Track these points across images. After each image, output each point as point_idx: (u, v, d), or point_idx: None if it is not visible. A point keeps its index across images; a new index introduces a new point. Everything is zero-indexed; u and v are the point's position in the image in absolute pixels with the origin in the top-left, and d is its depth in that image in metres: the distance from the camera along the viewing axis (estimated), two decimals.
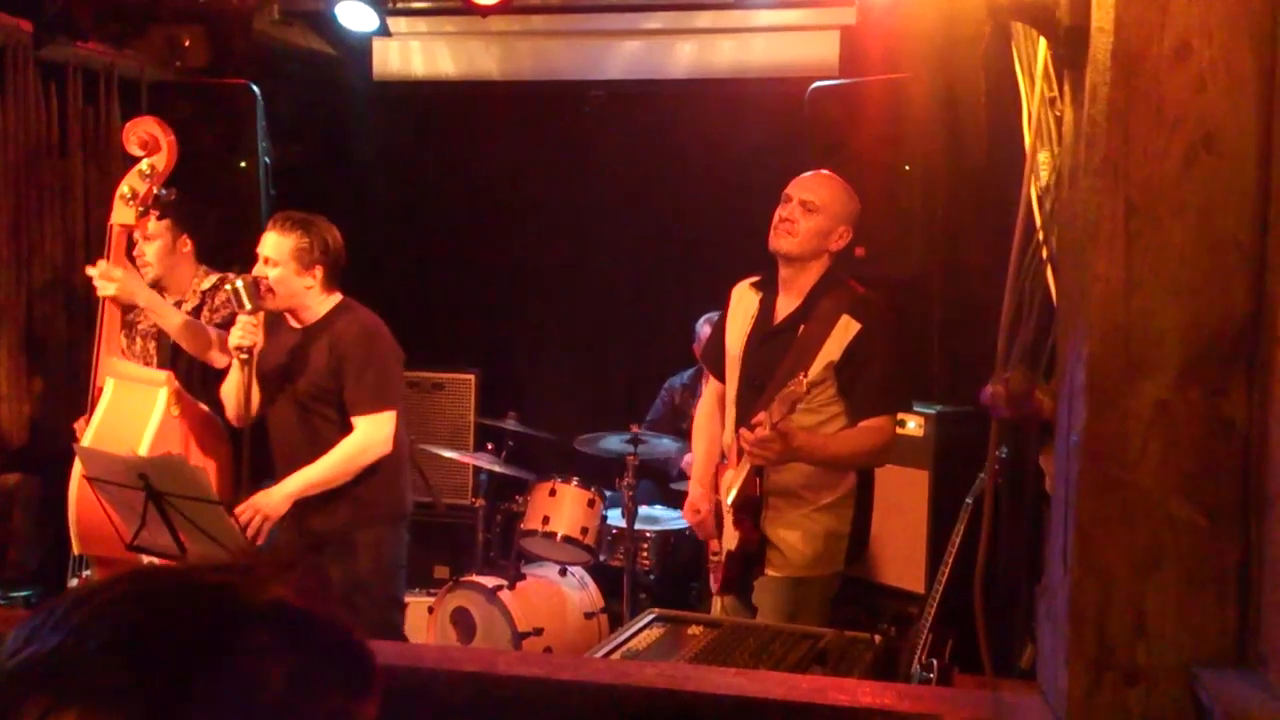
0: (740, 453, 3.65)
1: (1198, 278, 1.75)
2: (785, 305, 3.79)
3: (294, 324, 4.15)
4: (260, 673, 0.93)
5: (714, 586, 3.94)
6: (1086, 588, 1.79)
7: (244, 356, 3.92)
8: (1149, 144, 1.74)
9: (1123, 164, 1.75)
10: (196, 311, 4.57)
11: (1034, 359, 2.12)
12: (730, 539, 3.76)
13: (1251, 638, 1.73)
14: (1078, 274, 1.86)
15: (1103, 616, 1.78)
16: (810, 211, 3.70)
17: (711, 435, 4.05)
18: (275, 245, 4.03)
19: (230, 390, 4.08)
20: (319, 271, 4.05)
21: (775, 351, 3.73)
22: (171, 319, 4.38)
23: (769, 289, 3.86)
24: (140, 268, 4.54)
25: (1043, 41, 2.07)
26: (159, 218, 4.44)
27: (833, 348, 3.63)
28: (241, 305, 3.93)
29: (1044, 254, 2.17)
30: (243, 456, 4.04)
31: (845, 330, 3.64)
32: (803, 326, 3.70)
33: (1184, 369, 1.75)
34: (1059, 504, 1.91)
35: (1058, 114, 2.11)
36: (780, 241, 3.72)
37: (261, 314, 3.99)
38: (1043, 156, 2.19)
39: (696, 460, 4.15)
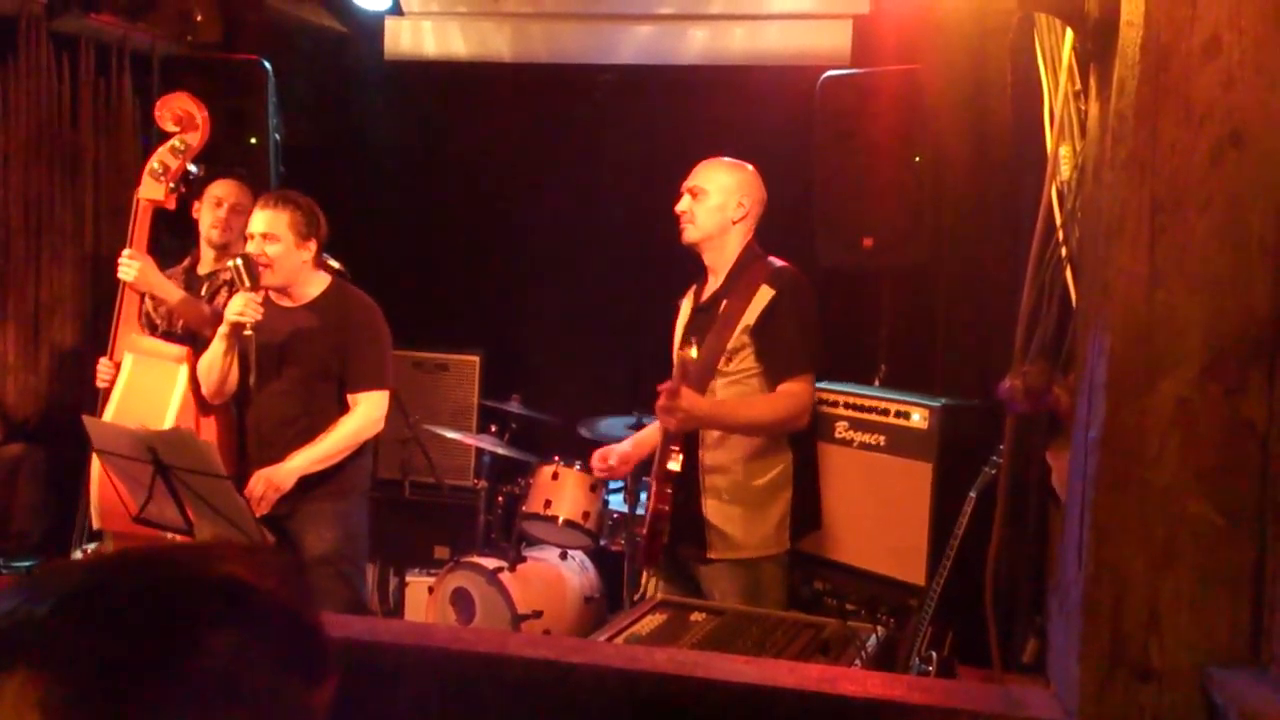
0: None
1: (1222, 274, 1.74)
2: (711, 286, 3.99)
3: (284, 303, 4.18)
4: (201, 641, 0.94)
5: (638, 560, 4.09)
6: (1101, 584, 1.78)
7: (248, 333, 3.97)
8: (1176, 139, 1.74)
9: (1149, 159, 1.74)
10: (231, 282, 4.60)
11: (1052, 354, 2.12)
12: (648, 511, 3.88)
13: (1266, 638, 1.73)
14: (1100, 268, 1.85)
15: (1117, 613, 1.78)
16: (698, 195, 3.90)
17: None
18: (271, 220, 4.06)
19: (214, 364, 4.09)
20: (314, 245, 4.11)
21: (702, 326, 3.90)
22: (185, 305, 4.41)
23: (700, 282, 4.07)
24: (216, 226, 4.59)
25: (1068, 35, 2.06)
26: (186, 195, 4.46)
27: (750, 314, 3.81)
28: (243, 282, 3.98)
29: (1063, 249, 2.16)
30: (246, 430, 4.07)
31: (762, 297, 3.82)
32: (725, 301, 3.87)
33: (1205, 366, 1.75)
34: (1075, 499, 1.91)
35: (1081, 108, 2.10)
36: (685, 233, 3.93)
37: (262, 293, 4.04)
38: (1064, 150, 2.19)
39: (646, 429, 4.34)
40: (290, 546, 4.20)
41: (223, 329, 4.03)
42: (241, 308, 3.95)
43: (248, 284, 3.98)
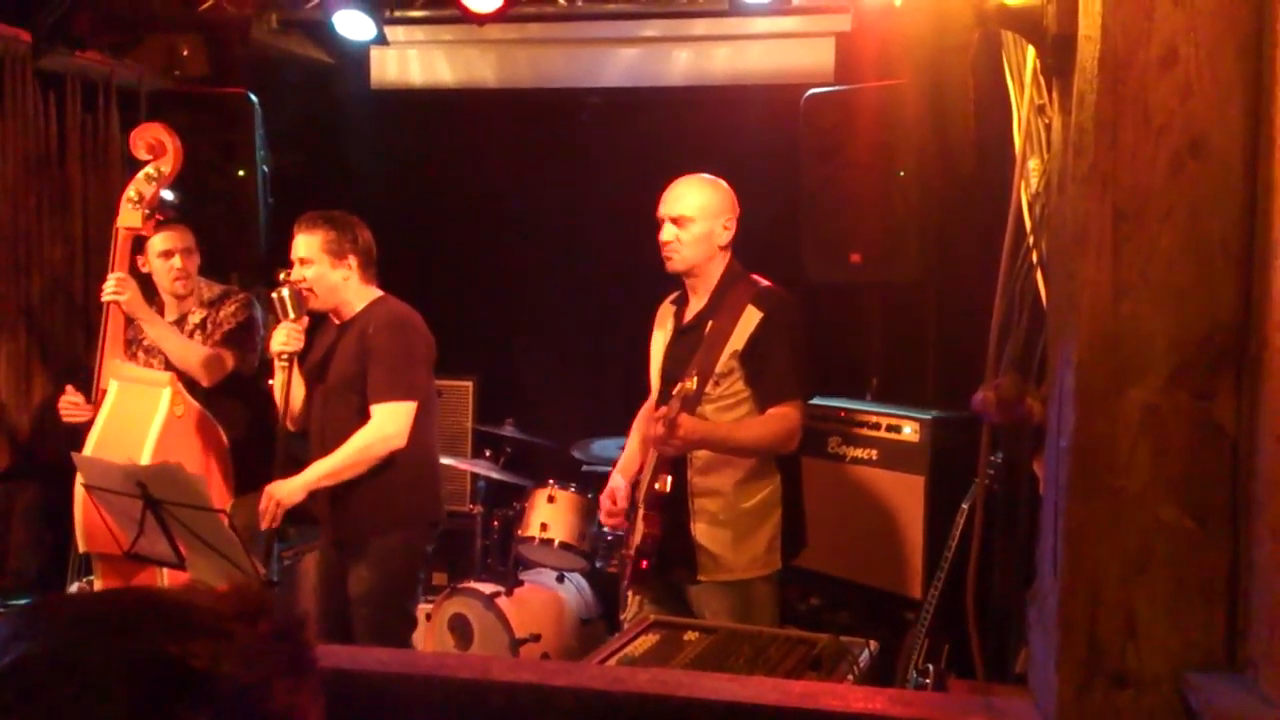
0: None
1: (1186, 282, 1.75)
2: (694, 306, 3.94)
3: (335, 321, 4.23)
4: None
5: (624, 582, 4.04)
6: (1076, 592, 1.79)
7: (284, 362, 3.99)
8: (1136, 150, 1.75)
9: (1110, 170, 1.76)
10: (203, 324, 4.60)
11: (1025, 364, 2.13)
12: (636, 533, 3.84)
13: (1240, 642, 1.74)
14: (1066, 280, 1.87)
15: (1093, 621, 1.79)
16: (684, 224, 3.82)
17: (644, 434, 4.12)
18: (306, 244, 4.10)
19: (278, 395, 4.10)
20: (353, 261, 4.13)
21: (687, 348, 3.87)
22: (166, 336, 4.43)
23: (682, 300, 4.03)
24: (178, 279, 4.57)
25: (1031, 49, 2.08)
26: (161, 222, 4.47)
27: (738, 338, 3.77)
28: (285, 314, 4.01)
29: (1034, 259, 2.18)
30: (276, 452, 4.09)
31: (749, 320, 3.77)
32: (710, 322, 3.83)
33: (1173, 373, 1.76)
34: (1049, 509, 1.92)
35: (1047, 121, 2.12)
36: (671, 264, 3.87)
37: (305, 320, 4.06)
38: (1033, 163, 2.21)
39: (624, 455, 4.26)
40: (340, 578, 4.20)
41: (278, 361, 4.04)
42: (285, 339, 3.98)
43: (291, 315, 4.00)
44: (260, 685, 0.97)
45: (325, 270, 4.09)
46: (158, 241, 4.54)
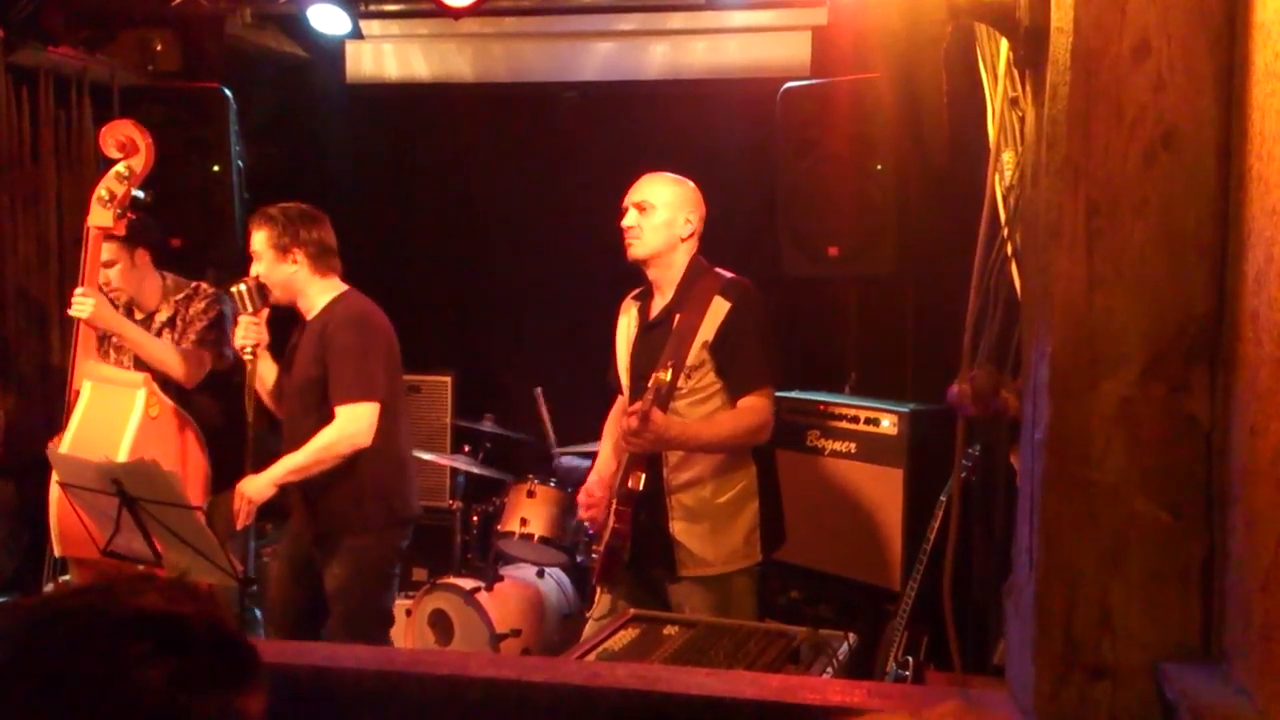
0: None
1: (1159, 275, 1.76)
2: (660, 301, 3.95)
3: (305, 318, 4.22)
4: (140, 679, 0.94)
5: (594, 579, 4.04)
6: (1052, 584, 1.80)
7: (249, 355, 4.03)
8: (1109, 143, 1.76)
9: (1083, 163, 1.76)
10: (171, 321, 4.57)
11: (1000, 357, 2.14)
12: (607, 530, 3.86)
13: (1216, 633, 1.75)
14: (1040, 272, 1.87)
15: (1069, 613, 1.79)
16: (645, 211, 3.86)
17: (616, 435, 4.12)
18: (255, 240, 4.13)
19: (248, 389, 4.11)
20: (299, 255, 4.11)
21: (656, 343, 3.87)
22: (142, 343, 4.40)
23: (646, 295, 4.03)
24: (110, 294, 4.51)
25: (1004, 42, 2.08)
26: (133, 220, 4.43)
27: (707, 329, 3.78)
28: (245, 308, 4.05)
29: (1009, 252, 2.18)
30: (247, 449, 4.07)
31: (717, 311, 3.79)
32: (678, 316, 3.83)
33: (1147, 366, 1.76)
34: (1024, 501, 1.93)
35: (1020, 114, 2.12)
36: (631, 249, 3.89)
37: (265, 312, 4.09)
38: (1007, 156, 2.21)
39: (599, 457, 4.26)
40: (312, 573, 4.20)
41: (244, 355, 4.08)
42: (244, 333, 4.04)
43: (250, 309, 4.04)
44: (215, 620, 1.03)
45: (272, 265, 4.10)
46: None
